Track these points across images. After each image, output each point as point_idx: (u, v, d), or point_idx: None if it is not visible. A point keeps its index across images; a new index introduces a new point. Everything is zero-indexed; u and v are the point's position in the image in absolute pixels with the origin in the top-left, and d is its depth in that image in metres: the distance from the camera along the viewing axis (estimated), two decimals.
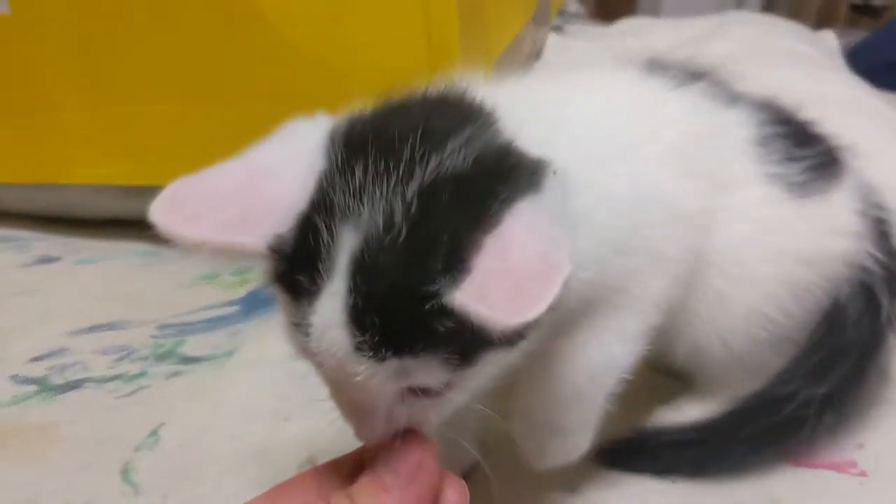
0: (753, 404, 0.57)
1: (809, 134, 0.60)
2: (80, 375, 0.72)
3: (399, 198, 0.35)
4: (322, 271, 0.36)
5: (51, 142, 0.90)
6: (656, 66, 0.57)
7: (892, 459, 0.59)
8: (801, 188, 0.56)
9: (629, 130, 0.51)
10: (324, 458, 0.44)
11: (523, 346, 0.41)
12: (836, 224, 0.58)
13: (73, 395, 0.69)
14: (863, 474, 0.57)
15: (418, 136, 0.37)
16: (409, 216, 0.35)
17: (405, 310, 0.35)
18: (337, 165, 0.38)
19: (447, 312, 0.34)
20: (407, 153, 0.37)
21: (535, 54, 1.17)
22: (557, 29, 1.53)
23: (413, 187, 0.36)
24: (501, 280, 0.33)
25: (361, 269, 0.35)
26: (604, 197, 0.45)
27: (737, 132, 0.57)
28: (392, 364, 0.36)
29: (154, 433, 0.63)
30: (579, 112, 0.50)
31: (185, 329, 0.78)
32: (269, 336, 0.75)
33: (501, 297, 0.33)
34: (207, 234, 0.36)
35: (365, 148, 0.37)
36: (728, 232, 0.54)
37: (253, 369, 0.71)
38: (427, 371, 0.37)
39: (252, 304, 0.82)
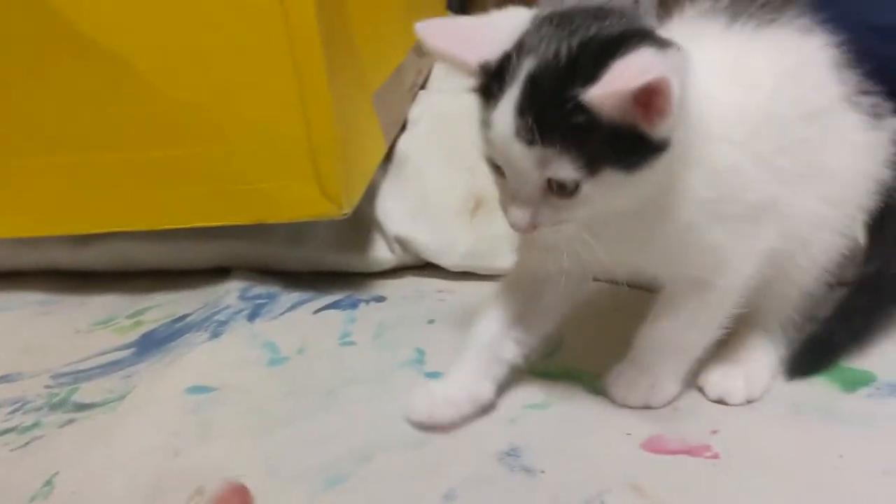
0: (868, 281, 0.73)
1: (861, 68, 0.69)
2: None
3: (565, 43, 0.53)
4: (507, 82, 0.54)
5: None
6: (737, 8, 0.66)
7: (743, 443, 0.64)
8: (874, 115, 0.69)
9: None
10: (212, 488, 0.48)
11: (639, 181, 0.54)
12: (889, 153, 0.70)
13: None
14: (715, 456, 0.62)
15: (588, 13, 0.55)
16: (570, 54, 0.52)
17: (551, 107, 0.52)
18: (533, 26, 0.56)
19: (580, 110, 0.50)
20: (578, 22, 0.54)
21: (420, 84, 1.21)
22: None
23: (576, 39, 0.53)
24: (617, 77, 0.49)
25: (530, 81, 0.53)
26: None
27: (822, 55, 0.67)
28: (537, 150, 0.53)
29: (49, 482, 0.64)
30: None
31: (80, 376, 0.79)
32: (161, 374, 0.77)
33: (611, 83, 0.49)
34: (444, 47, 0.57)
35: (552, 18, 0.56)
36: (842, 149, 0.67)
37: (144, 409, 0.72)
38: (561, 164, 0.53)
39: (146, 346, 0.84)
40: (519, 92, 0.53)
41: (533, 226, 0.57)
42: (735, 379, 0.70)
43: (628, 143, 0.53)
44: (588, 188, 0.54)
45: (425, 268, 0.97)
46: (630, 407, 0.69)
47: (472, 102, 0.59)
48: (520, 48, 0.54)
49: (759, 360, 0.72)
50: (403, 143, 1.05)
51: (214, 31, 0.77)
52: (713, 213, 0.61)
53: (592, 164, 0.53)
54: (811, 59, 0.67)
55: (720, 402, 0.69)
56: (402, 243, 0.95)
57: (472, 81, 0.58)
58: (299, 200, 0.82)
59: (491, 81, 0.55)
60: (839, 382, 0.71)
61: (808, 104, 0.65)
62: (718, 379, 0.70)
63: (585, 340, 0.79)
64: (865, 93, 0.68)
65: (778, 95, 0.63)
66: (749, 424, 0.66)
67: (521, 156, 0.54)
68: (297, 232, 0.95)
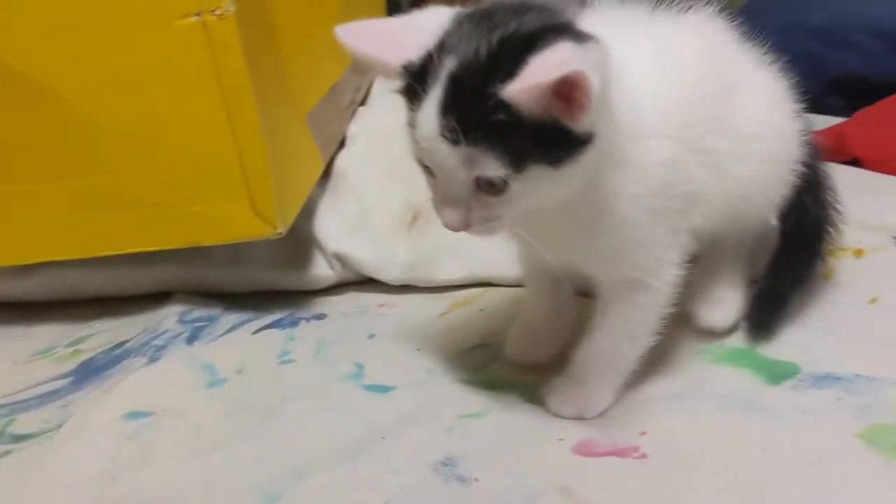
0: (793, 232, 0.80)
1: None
2: None
3: (486, 41, 0.53)
4: (429, 82, 0.54)
5: None
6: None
7: (670, 442, 0.65)
8: (777, 71, 0.75)
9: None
10: None
11: (566, 176, 0.56)
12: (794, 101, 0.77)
13: None
14: (644, 456, 0.64)
15: (508, 9, 0.56)
16: (490, 51, 0.53)
17: (473, 106, 0.52)
18: (454, 25, 0.56)
19: (501, 107, 0.51)
20: (498, 18, 0.55)
21: (359, 100, 1.22)
22: None
23: (496, 36, 0.54)
24: (534, 73, 0.50)
25: (452, 80, 0.53)
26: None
27: (728, 35, 0.73)
28: (462, 150, 0.53)
29: None
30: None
31: (17, 407, 0.79)
32: (98, 402, 0.77)
33: (529, 78, 0.50)
34: (366, 50, 0.57)
35: (472, 16, 0.56)
36: (754, 106, 0.71)
37: (81, 437, 0.72)
38: (487, 163, 0.54)
39: (84, 374, 0.83)
40: (441, 92, 0.54)
41: (466, 224, 0.58)
42: (720, 309, 0.79)
43: (552, 138, 0.54)
44: (516, 185, 0.55)
45: (366, 283, 0.97)
46: (564, 418, 0.70)
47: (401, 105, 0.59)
48: (441, 47, 0.55)
49: (735, 292, 0.80)
50: (342, 160, 1.06)
51: (139, 56, 0.77)
52: (647, 209, 0.63)
53: (518, 160, 0.54)
54: (723, 37, 0.72)
55: (710, 330, 0.79)
56: (342, 260, 0.95)
57: (396, 84, 0.58)
58: (233, 222, 0.83)
59: (414, 82, 0.56)
60: (764, 375, 0.73)
61: (727, 79, 0.69)
62: (706, 311, 0.78)
63: None
64: (767, 55, 0.75)
65: (702, 75, 0.66)
66: (677, 424, 0.68)
67: (447, 156, 0.54)
68: (236, 253, 0.95)
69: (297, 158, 0.92)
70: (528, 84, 0.50)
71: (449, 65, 0.54)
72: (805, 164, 0.79)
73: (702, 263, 0.77)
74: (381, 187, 1.02)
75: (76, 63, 0.79)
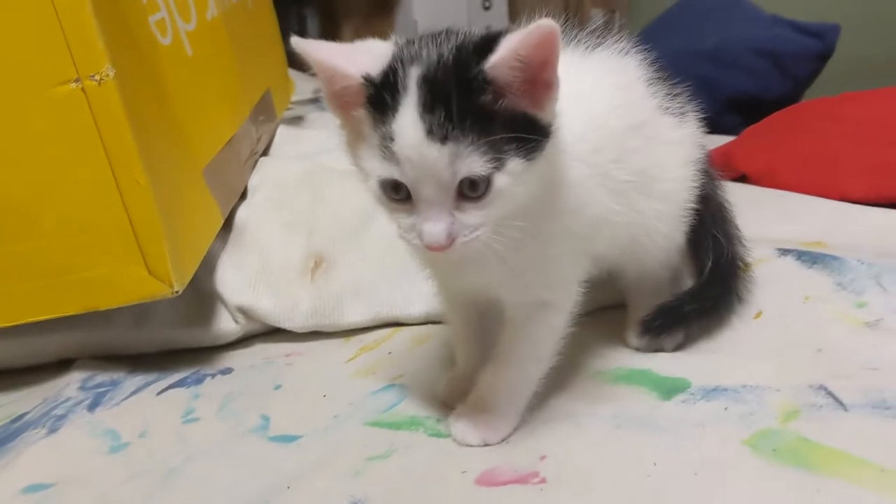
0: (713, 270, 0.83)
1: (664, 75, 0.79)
2: None
3: (444, 47, 0.57)
4: (400, 90, 0.56)
5: None
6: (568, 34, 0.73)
7: (568, 465, 0.67)
8: (679, 114, 0.79)
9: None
10: None
11: (534, 173, 0.59)
12: (697, 138, 0.81)
13: None
14: (543, 481, 0.65)
15: (444, 33, 0.60)
16: (451, 51, 0.57)
17: (457, 93, 0.55)
18: (399, 48, 0.60)
19: (484, 84, 0.55)
20: (442, 37, 0.59)
21: (261, 151, 1.23)
22: (297, 120, 1.60)
23: (451, 44, 0.58)
24: (513, 41, 0.54)
25: (425, 82, 0.56)
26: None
27: (639, 73, 0.76)
28: (450, 147, 0.55)
29: None
30: None
31: None
32: None
33: (509, 46, 0.54)
34: (327, 59, 0.58)
35: (420, 38, 0.60)
36: (660, 152, 0.75)
37: None
38: (472, 159, 0.55)
39: None
40: (416, 95, 0.56)
41: (451, 238, 0.58)
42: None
43: (524, 130, 0.57)
44: (498, 181, 0.57)
45: (273, 333, 0.98)
46: (470, 446, 0.72)
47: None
48: (400, 61, 0.58)
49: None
50: (243, 211, 1.07)
51: (19, 126, 0.77)
52: (564, 225, 0.66)
53: (499, 155, 0.56)
54: (633, 76, 0.76)
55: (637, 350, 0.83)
56: (245, 312, 0.95)
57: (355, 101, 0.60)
58: (128, 284, 0.82)
59: (384, 93, 0.57)
60: (658, 391, 0.76)
61: (636, 116, 0.73)
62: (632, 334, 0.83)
63: (426, 387, 0.81)
64: (671, 97, 0.78)
65: (613, 109, 0.71)
66: (575, 444, 0.70)
67: (435, 156, 0.55)
68: (139, 314, 0.95)
69: (194, 214, 0.92)
70: (510, 48, 0.54)
71: (415, 72, 0.56)
72: (712, 199, 0.84)
73: (630, 291, 0.85)
74: (282, 236, 1.03)
75: None
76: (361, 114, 0.59)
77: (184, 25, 1.01)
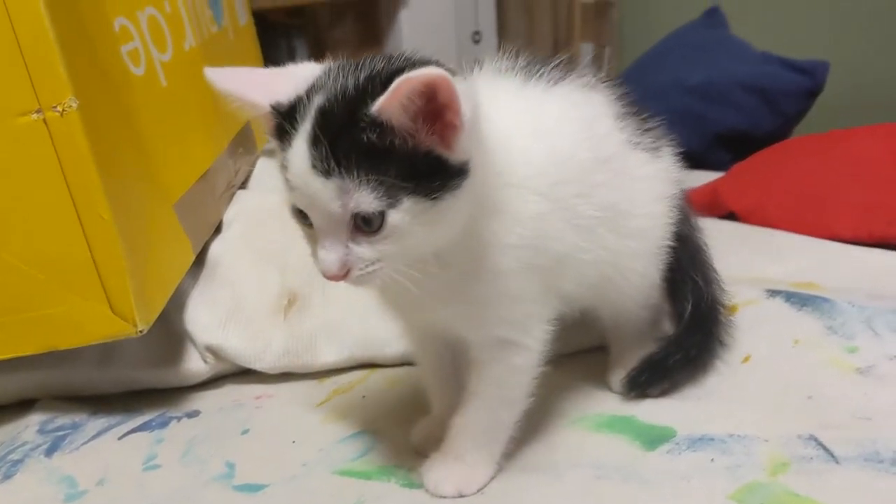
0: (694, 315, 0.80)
1: (637, 109, 0.77)
2: None
3: (353, 78, 0.55)
4: (299, 120, 0.55)
5: None
6: (528, 69, 0.70)
7: None
8: (652, 149, 0.76)
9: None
10: None
11: (443, 212, 0.56)
12: (672, 173, 0.78)
13: None
14: None
15: (378, 58, 0.58)
16: (357, 85, 0.55)
17: (343, 131, 0.53)
18: (324, 72, 0.58)
19: (372, 128, 0.53)
20: (367, 63, 0.57)
21: (238, 184, 1.20)
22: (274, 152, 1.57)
23: (364, 74, 0.55)
24: (400, 84, 0.51)
25: (321, 113, 0.54)
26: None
27: (606, 107, 0.73)
28: (336, 181, 0.53)
29: None
30: None
31: None
32: None
33: (395, 89, 0.51)
34: (234, 89, 0.58)
35: (344, 63, 0.58)
36: (631, 188, 0.72)
37: None
38: (361, 194, 0.53)
39: None
40: (310, 125, 0.54)
41: (345, 268, 0.56)
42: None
43: (427, 168, 0.54)
44: (393, 218, 0.55)
45: (244, 373, 0.94)
46: (444, 497, 0.68)
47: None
48: (311, 89, 0.57)
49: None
50: (216, 246, 1.03)
51: None
52: (520, 261, 0.63)
53: (393, 192, 0.54)
54: (599, 111, 0.72)
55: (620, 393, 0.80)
56: (214, 352, 0.92)
57: (267, 128, 0.59)
58: (90, 322, 0.79)
59: (284, 121, 0.56)
60: (641, 441, 0.72)
61: (602, 150, 0.70)
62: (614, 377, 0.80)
63: (399, 434, 0.78)
64: (643, 132, 0.75)
65: (578, 143, 0.68)
66: (553, 498, 0.66)
67: (321, 189, 0.54)
68: (104, 353, 0.91)
69: (163, 249, 0.89)
70: (394, 93, 0.51)
71: (317, 101, 0.55)
72: (689, 240, 0.81)
73: (609, 332, 0.82)
74: (256, 273, 0.99)
75: None
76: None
77: (158, 55, 0.99)
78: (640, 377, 0.78)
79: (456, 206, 0.56)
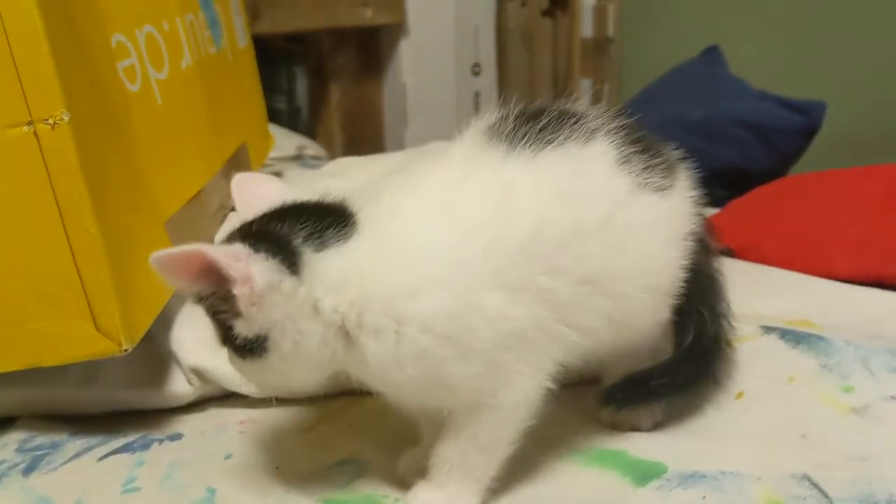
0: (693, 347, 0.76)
1: (646, 142, 0.72)
2: None
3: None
4: None
5: None
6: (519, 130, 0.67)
7: None
8: (661, 188, 0.70)
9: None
10: None
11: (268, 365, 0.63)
12: (686, 208, 0.74)
13: None
14: None
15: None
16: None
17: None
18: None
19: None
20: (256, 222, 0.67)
21: (231, 206, 1.19)
22: (275, 176, 1.57)
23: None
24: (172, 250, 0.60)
25: None
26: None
27: (603, 160, 0.68)
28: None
29: None
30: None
31: None
32: None
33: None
34: None
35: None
36: (641, 236, 0.68)
37: None
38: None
39: None
40: None
41: None
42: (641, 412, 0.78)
43: (226, 334, 0.63)
44: (232, 359, 0.66)
45: (229, 397, 0.92)
46: None
47: None
48: None
49: None
50: None
51: None
52: (454, 350, 0.61)
53: (222, 339, 0.64)
54: (590, 168, 0.67)
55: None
56: (199, 374, 0.90)
57: None
58: (74, 340, 0.77)
59: None
60: (631, 476, 0.71)
61: (596, 214, 0.66)
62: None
63: (386, 463, 0.76)
64: (649, 170, 0.70)
65: (552, 218, 0.64)
66: None
67: None
68: (87, 371, 0.89)
69: (150, 268, 0.87)
70: (158, 255, 0.61)
71: None
72: (703, 272, 0.77)
73: (606, 366, 0.78)
74: None
75: None
76: None
77: (155, 73, 0.98)
78: (617, 392, 0.76)
79: (279, 364, 0.64)
